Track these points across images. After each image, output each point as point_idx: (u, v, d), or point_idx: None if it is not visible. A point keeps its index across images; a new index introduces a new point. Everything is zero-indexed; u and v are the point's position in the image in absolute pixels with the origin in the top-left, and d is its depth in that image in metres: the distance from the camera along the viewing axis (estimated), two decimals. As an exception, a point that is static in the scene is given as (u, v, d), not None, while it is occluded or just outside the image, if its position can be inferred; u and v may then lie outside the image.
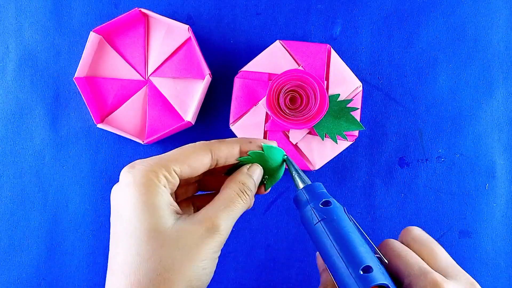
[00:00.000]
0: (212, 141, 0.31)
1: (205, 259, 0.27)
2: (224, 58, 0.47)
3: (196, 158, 0.29)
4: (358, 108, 0.42)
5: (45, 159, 0.47)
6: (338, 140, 0.42)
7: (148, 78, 0.46)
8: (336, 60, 0.42)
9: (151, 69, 0.46)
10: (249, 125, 0.42)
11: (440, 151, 0.46)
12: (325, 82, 0.42)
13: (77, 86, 0.45)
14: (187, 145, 0.30)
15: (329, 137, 0.42)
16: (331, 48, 0.43)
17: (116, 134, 0.45)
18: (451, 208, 0.46)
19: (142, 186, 0.27)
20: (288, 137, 0.43)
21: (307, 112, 0.40)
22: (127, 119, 0.46)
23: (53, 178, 0.47)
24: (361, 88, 0.43)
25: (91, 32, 0.44)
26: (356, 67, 0.46)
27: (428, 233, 0.46)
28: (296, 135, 0.42)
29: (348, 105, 0.42)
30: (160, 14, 0.44)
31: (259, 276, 0.46)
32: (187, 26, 0.44)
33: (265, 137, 0.42)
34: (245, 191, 0.30)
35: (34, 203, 0.47)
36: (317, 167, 0.42)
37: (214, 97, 0.47)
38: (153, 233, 0.27)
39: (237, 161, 0.31)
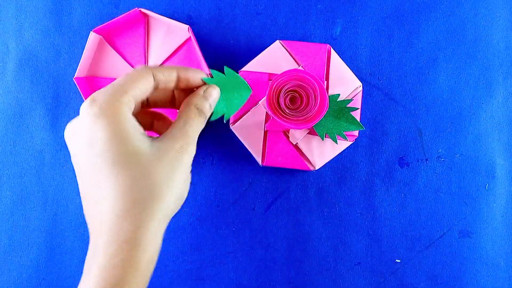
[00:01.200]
0: (152, 66, 0.36)
1: (186, 171, 0.31)
2: (224, 58, 0.47)
3: (143, 81, 0.31)
4: (358, 108, 0.42)
5: (45, 159, 0.47)
6: (338, 140, 0.42)
7: None
8: (336, 60, 0.42)
9: None
10: (249, 125, 0.42)
11: (440, 151, 0.46)
12: (325, 82, 0.42)
13: (77, 86, 0.45)
14: (131, 71, 0.32)
15: (329, 137, 0.42)
16: (331, 48, 0.42)
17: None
18: (451, 208, 0.46)
19: (112, 115, 0.28)
20: (288, 137, 0.42)
21: (307, 112, 0.40)
22: None
23: (53, 178, 0.47)
24: (361, 88, 0.43)
25: (91, 32, 0.44)
26: (356, 67, 0.46)
27: (428, 233, 0.46)
28: (296, 135, 0.42)
29: (348, 105, 0.42)
30: (160, 14, 0.44)
31: (259, 276, 0.46)
32: (187, 26, 0.44)
33: (265, 138, 0.42)
34: (201, 113, 0.33)
35: (34, 203, 0.47)
36: (317, 167, 0.42)
37: None
38: (137, 155, 0.28)
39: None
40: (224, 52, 0.47)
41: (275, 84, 0.40)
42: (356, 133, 0.43)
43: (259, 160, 0.42)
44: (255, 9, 0.47)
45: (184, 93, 0.35)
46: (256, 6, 0.47)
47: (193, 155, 0.31)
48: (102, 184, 0.28)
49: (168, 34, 0.45)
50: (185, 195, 0.32)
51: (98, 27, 0.44)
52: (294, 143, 0.43)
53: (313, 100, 0.40)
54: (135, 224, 0.28)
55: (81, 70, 0.45)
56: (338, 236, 0.46)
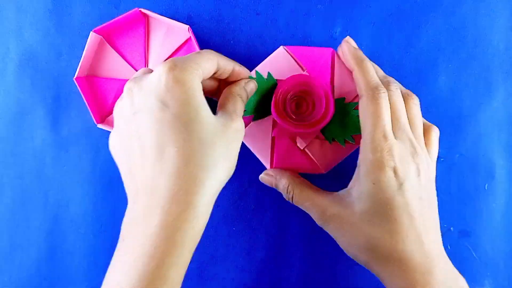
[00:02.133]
0: (214, 52, 0.36)
1: (237, 151, 0.34)
2: (224, 58, 0.47)
3: (211, 62, 0.34)
4: None
5: (45, 160, 0.47)
6: (345, 144, 0.42)
7: None
8: (340, 63, 0.42)
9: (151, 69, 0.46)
10: (256, 131, 0.42)
11: (440, 151, 0.46)
12: (331, 86, 0.42)
13: (78, 86, 0.45)
14: (199, 52, 0.34)
15: (337, 141, 0.42)
16: (336, 52, 0.42)
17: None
18: (451, 208, 0.46)
19: (190, 82, 0.31)
20: (295, 142, 0.42)
21: (313, 117, 0.40)
22: None
23: (53, 178, 0.47)
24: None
25: (91, 32, 0.44)
26: (356, 67, 0.46)
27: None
28: (304, 140, 0.42)
29: (354, 108, 0.41)
30: (160, 14, 0.44)
31: (259, 276, 0.46)
32: (187, 26, 0.44)
33: (273, 143, 0.42)
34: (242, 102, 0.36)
35: (35, 203, 0.47)
36: (324, 171, 0.42)
37: None
38: (207, 124, 0.31)
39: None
40: (224, 52, 0.47)
41: (281, 90, 0.40)
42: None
43: (267, 165, 0.42)
44: (255, 9, 0.47)
45: (227, 85, 0.39)
46: (256, 6, 0.47)
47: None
48: (170, 144, 0.30)
49: (168, 34, 0.45)
50: (231, 173, 0.34)
51: (98, 27, 0.44)
52: (302, 148, 0.42)
53: (319, 104, 0.40)
54: (194, 187, 0.30)
55: (81, 70, 0.45)
56: (338, 236, 0.46)
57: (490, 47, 0.46)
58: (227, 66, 0.37)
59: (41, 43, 0.47)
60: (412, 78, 0.46)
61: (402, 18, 0.47)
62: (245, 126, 0.43)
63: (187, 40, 0.45)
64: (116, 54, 0.46)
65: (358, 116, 0.41)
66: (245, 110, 0.39)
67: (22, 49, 0.47)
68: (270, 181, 0.41)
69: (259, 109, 0.41)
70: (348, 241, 0.35)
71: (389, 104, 0.36)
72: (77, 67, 0.45)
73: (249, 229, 0.46)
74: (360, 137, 0.42)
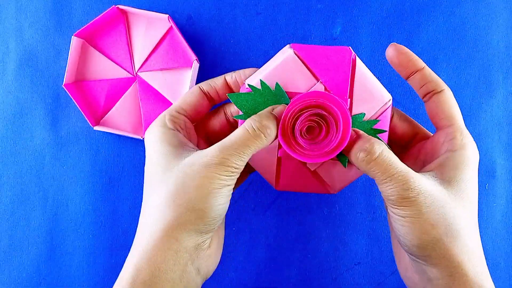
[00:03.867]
0: (203, 82, 0.38)
1: (212, 186, 0.30)
2: (224, 58, 0.47)
3: (192, 97, 0.36)
4: (386, 131, 0.35)
5: (45, 159, 0.47)
6: None
7: (136, 74, 0.46)
8: (361, 72, 0.35)
9: (137, 64, 0.46)
10: (261, 151, 0.34)
11: (440, 151, 0.46)
12: (348, 100, 0.35)
13: (68, 93, 0.45)
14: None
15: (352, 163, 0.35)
16: (356, 57, 0.35)
17: (115, 133, 0.46)
18: (451, 208, 0.46)
19: (157, 139, 0.33)
20: (304, 163, 0.36)
21: (326, 144, 0.33)
22: (123, 118, 0.46)
23: (53, 178, 0.47)
24: (390, 103, 0.36)
25: (72, 36, 0.44)
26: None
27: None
28: (313, 162, 0.35)
29: (374, 127, 0.35)
30: (138, 8, 0.45)
31: (259, 276, 0.46)
32: (167, 15, 0.44)
33: (278, 163, 0.37)
34: (261, 131, 0.31)
35: (35, 203, 0.47)
36: (336, 191, 0.37)
37: None
38: (167, 172, 0.31)
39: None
40: (224, 52, 0.47)
41: (290, 112, 0.32)
42: None
43: (273, 185, 0.37)
44: (255, 9, 0.47)
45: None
46: (256, 6, 0.47)
47: (230, 175, 0.31)
48: (154, 191, 0.32)
49: (149, 27, 0.45)
50: (221, 214, 0.32)
51: (78, 30, 0.44)
52: (312, 169, 0.36)
53: (334, 130, 0.32)
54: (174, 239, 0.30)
55: (68, 76, 0.45)
56: (338, 236, 0.46)
57: (490, 47, 0.46)
58: (216, 81, 0.37)
59: (41, 43, 0.47)
60: (412, 78, 0.46)
61: (402, 18, 0.47)
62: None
63: (169, 30, 0.45)
64: (100, 55, 0.46)
65: (376, 134, 0.35)
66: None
67: (22, 49, 0.47)
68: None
69: None
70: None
71: None
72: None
73: (249, 229, 0.46)
74: None
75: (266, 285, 0.46)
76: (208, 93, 0.37)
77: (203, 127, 0.39)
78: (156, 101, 0.45)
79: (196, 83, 0.46)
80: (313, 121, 0.33)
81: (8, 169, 0.47)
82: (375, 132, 0.35)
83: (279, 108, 0.33)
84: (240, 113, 0.35)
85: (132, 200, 0.46)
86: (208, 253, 0.33)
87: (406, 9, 0.47)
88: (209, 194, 0.30)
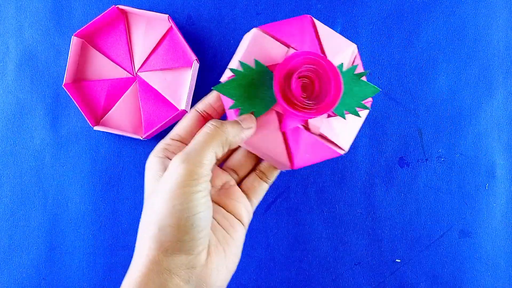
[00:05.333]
0: (198, 102, 0.36)
1: (184, 193, 0.29)
2: (224, 58, 0.47)
3: (187, 121, 0.35)
4: (367, 72, 0.36)
5: (45, 159, 0.47)
6: (358, 111, 0.36)
7: (136, 74, 0.46)
8: (323, 29, 0.36)
9: (137, 64, 0.46)
10: (263, 134, 0.35)
11: (440, 151, 0.46)
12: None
13: (68, 93, 0.45)
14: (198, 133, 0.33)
15: (350, 112, 0.36)
16: (313, 18, 0.37)
17: (115, 133, 0.46)
18: (451, 208, 0.46)
19: (149, 168, 0.33)
20: (307, 129, 0.36)
21: (324, 96, 0.33)
22: (123, 118, 0.46)
23: (53, 178, 0.47)
24: (356, 50, 0.37)
25: (72, 36, 0.44)
26: (356, 67, 0.46)
27: (428, 233, 0.46)
28: (317, 124, 0.36)
29: (355, 72, 0.36)
30: (138, 8, 0.45)
31: (259, 276, 0.46)
32: (167, 15, 0.44)
33: (285, 140, 0.36)
34: (213, 125, 0.32)
35: (34, 203, 0.47)
36: (346, 149, 0.37)
37: (206, 83, 0.47)
38: (152, 196, 0.31)
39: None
40: (224, 52, 0.47)
41: (283, 75, 0.33)
42: (369, 99, 0.37)
43: (287, 166, 0.36)
44: (255, 9, 0.47)
45: None
46: (256, 6, 0.47)
47: (197, 177, 0.30)
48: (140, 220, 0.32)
49: (149, 27, 0.45)
50: (199, 225, 0.30)
51: (78, 30, 0.44)
52: (318, 133, 0.36)
53: (328, 82, 0.33)
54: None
55: (68, 76, 0.45)
56: (338, 236, 0.46)
57: (490, 46, 0.46)
58: (208, 97, 0.36)
59: (41, 43, 0.47)
60: (412, 78, 0.46)
61: (402, 18, 0.47)
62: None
63: (169, 30, 0.45)
64: (100, 55, 0.46)
65: (360, 78, 0.36)
66: (241, 109, 0.34)
67: (22, 49, 0.47)
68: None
69: (256, 102, 0.35)
70: None
71: None
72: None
73: (249, 229, 0.46)
74: (366, 101, 0.37)
75: (266, 285, 0.46)
76: (204, 111, 0.36)
77: None
78: (156, 101, 0.45)
79: (196, 83, 0.46)
80: (305, 78, 0.34)
81: (8, 169, 0.47)
82: (359, 76, 0.36)
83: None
84: (232, 103, 0.34)
85: (132, 200, 0.46)
86: (210, 268, 0.31)
87: (406, 9, 0.47)
88: (178, 206, 0.29)
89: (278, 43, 0.36)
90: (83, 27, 0.44)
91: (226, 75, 0.35)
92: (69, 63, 0.45)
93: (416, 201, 0.46)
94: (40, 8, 0.47)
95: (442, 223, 0.46)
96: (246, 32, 0.47)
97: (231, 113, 0.35)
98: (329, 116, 0.36)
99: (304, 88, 0.35)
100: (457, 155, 0.46)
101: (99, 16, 0.44)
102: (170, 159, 0.33)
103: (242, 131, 0.33)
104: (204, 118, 0.36)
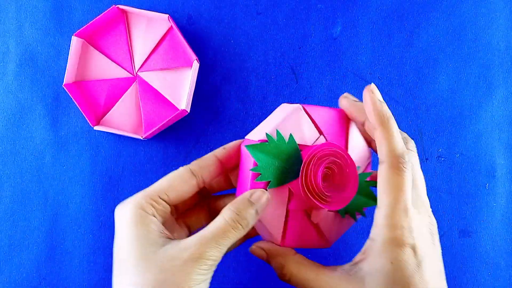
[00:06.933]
0: (192, 162, 0.34)
1: (191, 283, 0.29)
2: (224, 58, 0.47)
3: (181, 183, 0.33)
4: (376, 183, 0.36)
5: (45, 159, 0.47)
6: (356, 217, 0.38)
7: (136, 73, 0.46)
8: (354, 128, 0.37)
9: (138, 64, 0.46)
10: (271, 205, 0.35)
11: (440, 151, 0.46)
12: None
13: (68, 92, 0.45)
14: (171, 172, 0.33)
15: (349, 215, 0.37)
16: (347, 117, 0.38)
17: (115, 133, 0.46)
18: (451, 208, 0.46)
19: (131, 221, 0.31)
20: (307, 216, 0.37)
21: (341, 191, 0.34)
22: (123, 117, 0.46)
23: (53, 178, 0.47)
24: (370, 160, 0.38)
25: (72, 36, 0.44)
26: (356, 67, 0.46)
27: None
28: (320, 214, 0.37)
29: (366, 180, 0.37)
30: (138, 8, 0.45)
31: (259, 276, 0.46)
32: (167, 15, 0.44)
33: (286, 217, 0.36)
34: (239, 222, 0.31)
35: (35, 203, 0.47)
36: (331, 244, 0.38)
37: (206, 83, 0.47)
38: (143, 261, 0.29)
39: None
40: (224, 52, 0.47)
41: (313, 162, 0.33)
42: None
43: (276, 240, 0.36)
44: (255, 9, 0.47)
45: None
46: (256, 6, 0.47)
47: (208, 269, 0.30)
48: (118, 280, 0.30)
49: (149, 27, 0.45)
50: None
51: (79, 30, 0.44)
52: (316, 222, 0.37)
53: (345, 178, 0.34)
54: None
55: (69, 76, 0.45)
56: (338, 236, 0.46)
57: (490, 46, 0.46)
58: (206, 159, 0.34)
59: (41, 43, 0.47)
60: (412, 78, 0.47)
61: (402, 18, 0.47)
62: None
63: (169, 30, 0.45)
64: (100, 55, 0.46)
65: (370, 187, 0.37)
66: (260, 174, 0.34)
67: (22, 49, 0.47)
68: (261, 256, 0.36)
69: (277, 175, 0.34)
70: None
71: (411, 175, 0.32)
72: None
73: (249, 229, 0.46)
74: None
75: (266, 285, 0.46)
76: (198, 174, 0.34)
77: (182, 211, 0.38)
78: (156, 101, 0.45)
79: (196, 83, 0.46)
80: (329, 169, 0.35)
81: (8, 169, 0.47)
82: (368, 185, 0.37)
83: (257, 193, 0.33)
84: (255, 165, 0.34)
85: (132, 200, 0.46)
86: None
87: (406, 9, 0.47)
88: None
89: (313, 126, 0.36)
90: (83, 27, 0.44)
91: (257, 136, 0.35)
92: (69, 63, 0.45)
93: (416, 201, 0.46)
94: (40, 8, 0.47)
95: (442, 223, 0.46)
96: (246, 32, 0.47)
97: (246, 174, 0.35)
98: (329, 210, 0.37)
99: (324, 178, 0.35)
100: (457, 155, 0.46)
101: (99, 16, 0.44)
102: (157, 219, 0.32)
103: (256, 219, 0.32)
104: (197, 182, 0.34)
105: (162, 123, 0.44)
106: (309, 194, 0.33)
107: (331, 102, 0.46)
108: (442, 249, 0.45)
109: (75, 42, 0.44)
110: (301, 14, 0.47)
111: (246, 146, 0.33)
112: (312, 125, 0.36)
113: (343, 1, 0.47)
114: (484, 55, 0.46)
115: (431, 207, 0.46)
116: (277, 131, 0.34)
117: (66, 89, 0.44)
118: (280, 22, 0.47)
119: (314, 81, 0.47)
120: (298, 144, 0.35)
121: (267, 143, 0.34)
